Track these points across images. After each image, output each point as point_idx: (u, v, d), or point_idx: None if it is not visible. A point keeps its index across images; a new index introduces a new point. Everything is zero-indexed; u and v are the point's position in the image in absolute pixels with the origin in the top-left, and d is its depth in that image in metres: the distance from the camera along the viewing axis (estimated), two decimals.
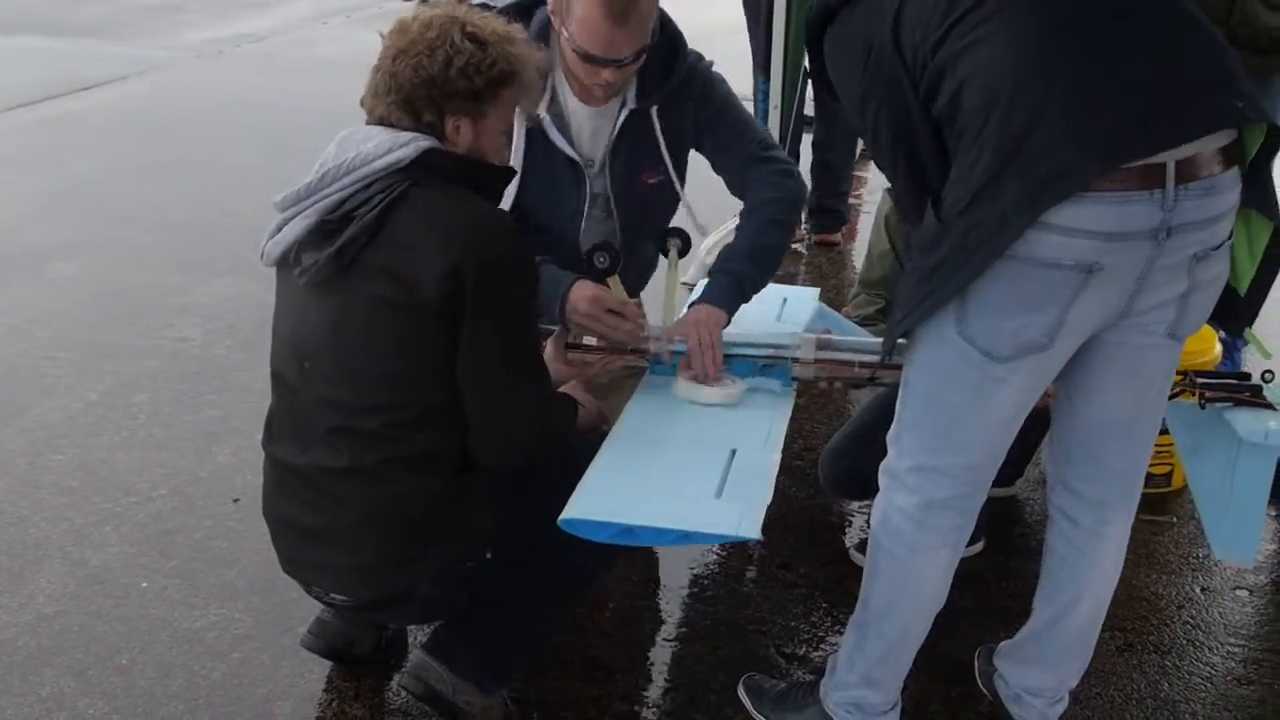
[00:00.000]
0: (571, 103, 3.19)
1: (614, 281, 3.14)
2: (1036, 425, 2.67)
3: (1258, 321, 2.64)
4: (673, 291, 3.29)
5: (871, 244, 3.78)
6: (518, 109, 2.71)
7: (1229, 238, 2.38)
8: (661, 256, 3.41)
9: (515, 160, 3.13)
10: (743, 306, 3.15)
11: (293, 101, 8.59)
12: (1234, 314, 2.55)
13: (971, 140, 2.22)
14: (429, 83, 2.53)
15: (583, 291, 3.02)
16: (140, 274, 5.61)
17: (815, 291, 3.80)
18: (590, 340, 3.10)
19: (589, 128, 3.22)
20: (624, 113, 3.21)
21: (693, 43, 3.24)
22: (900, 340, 2.49)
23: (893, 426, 2.59)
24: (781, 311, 3.50)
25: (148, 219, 6.33)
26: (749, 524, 2.44)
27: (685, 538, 2.50)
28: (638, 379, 3.15)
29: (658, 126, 3.25)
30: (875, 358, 2.61)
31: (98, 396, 4.47)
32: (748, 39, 6.02)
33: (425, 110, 2.55)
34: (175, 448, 4.13)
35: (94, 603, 3.31)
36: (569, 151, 3.19)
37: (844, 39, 2.44)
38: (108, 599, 3.33)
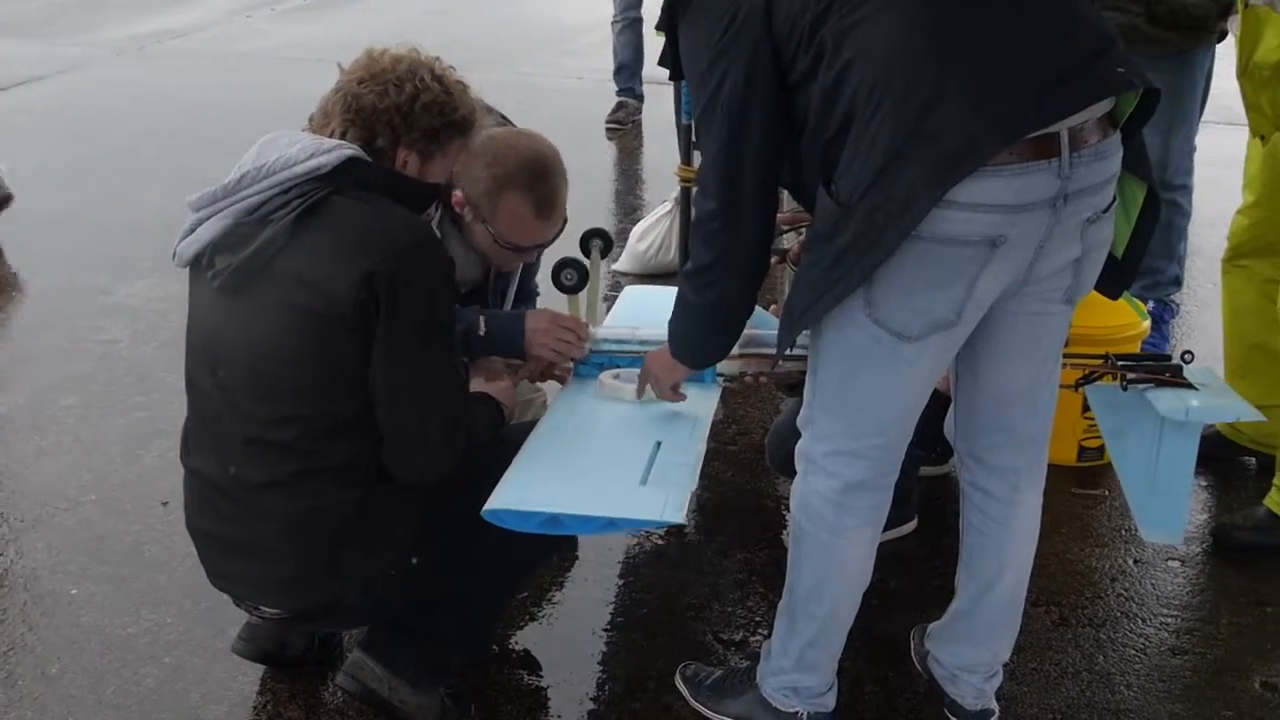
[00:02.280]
0: (451, 235, 3.19)
1: (574, 300, 3.16)
2: (936, 401, 2.69)
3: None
4: (596, 290, 3.28)
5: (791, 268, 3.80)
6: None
7: (1114, 200, 2.43)
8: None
9: None
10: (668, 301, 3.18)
11: (216, 97, 8.48)
12: (1114, 278, 2.58)
13: (867, 122, 2.22)
14: (393, 110, 2.54)
15: (539, 321, 3.06)
16: (64, 275, 5.53)
17: None
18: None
19: (464, 259, 3.21)
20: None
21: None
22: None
23: (803, 410, 2.60)
24: None
25: (70, 219, 6.25)
26: (673, 509, 2.44)
27: (610, 525, 2.51)
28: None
29: (518, 271, 3.37)
30: (800, 350, 2.61)
31: (24, 401, 4.41)
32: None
33: (382, 134, 2.55)
34: (103, 451, 4.08)
35: (22, 611, 3.27)
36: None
37: (707, 5, 2.41)
38: (36, 607, 3.28)
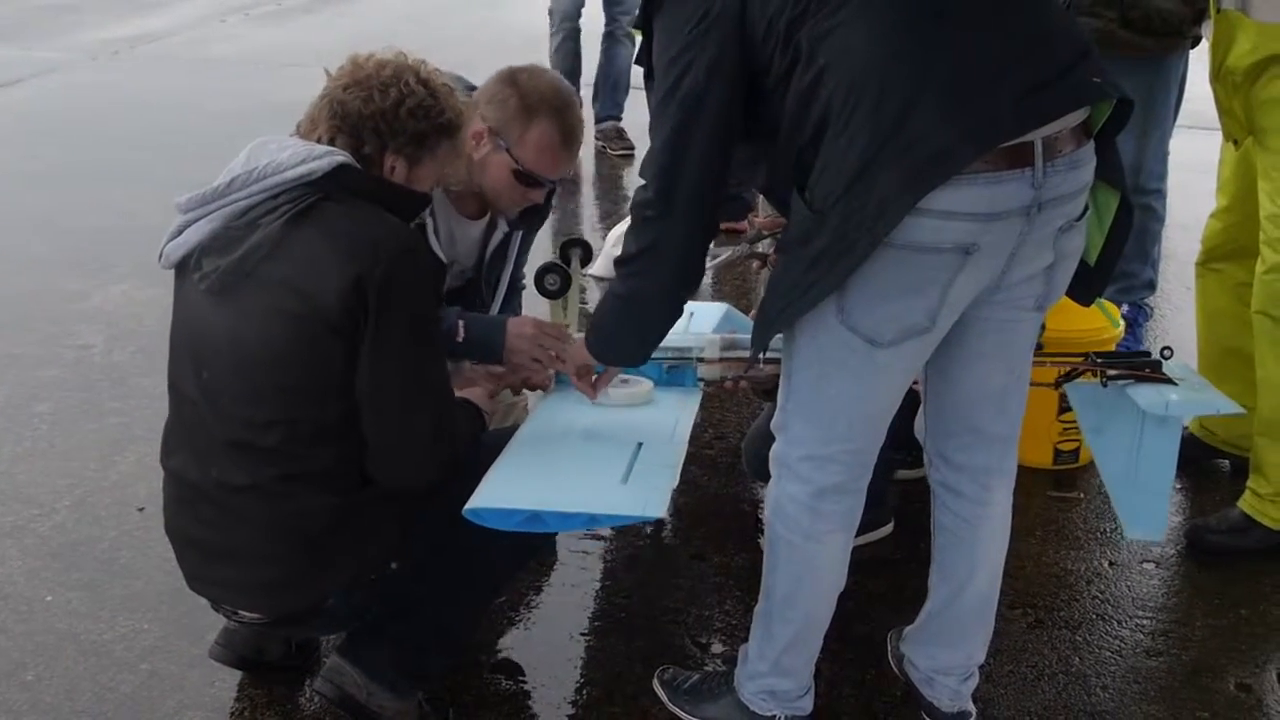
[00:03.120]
0: (447, 215, 3.20)
1: (557, 305, 3.15)
2: (911, 404, 2.71)
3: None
4: (574, 300, 3.28)
5: (768, 276, 3.81)
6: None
7: (1087, 209, 2.45)
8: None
9: None
10: None
11: (191, 101, 8.46)
12: (1086, 285, 2.60)
13: (841, 128, 2.22)
14: (378, 115, 2.53)
15: (521, 327, 3.04)
16: (38, 281, 5.51)
17: (723, 307, 3.73)
18: None
19: (461, 237, 3.24)
20: (498, 233, 3.28)
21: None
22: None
23: (777, 414, 2.61)
24: (688, 325, 3.47)
25: (44, 224, 6.22)
26: (655, 504, 2.45)
27: (592, 520, 2.51)
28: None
29: (516, 243, 3.35)
30: (776, 354, 2.62)
31: None
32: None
33: (368, 140, 2.55)
34: (78, 457, 4.06)
35: None
36: (445, 258, 3.20)
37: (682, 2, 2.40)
38: (11, 614, 3.27)
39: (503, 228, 3.29)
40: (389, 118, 2.54)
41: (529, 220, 3.30)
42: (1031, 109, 2.23)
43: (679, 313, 2.62)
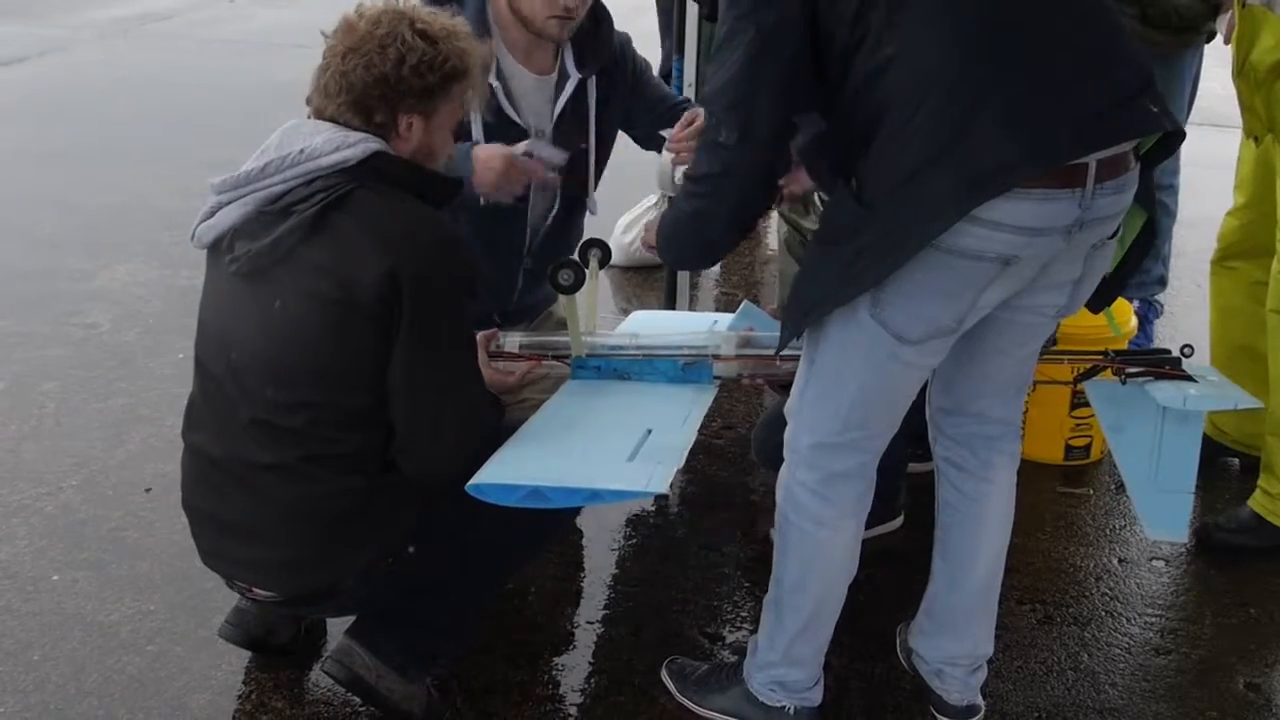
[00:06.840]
0: (516, 74, 3.22)
1: (571, 301, 3.12)
2: (922, 396, 2.71)
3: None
4: (594, 300, 3.26)
5: (782, 269, 3.80)
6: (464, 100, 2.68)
7: (1120, 229, 2.47)
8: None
9: (475, 136, 3.19)
10: (674, 323, 3.14)
11: (200, 81, 8.45)
12: (1099, 294, 2.61)
13: (902, 124, 2.21)
14: (381, 81, 2.49)
15: (491, 162, 3.08)
16: (46, 260, 5.50)
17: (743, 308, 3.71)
18: (514, 348, 3.07)
19: (532, 97, 3.25)
20: (570, 83, 3.27)
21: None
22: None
23: (792, 398, 2.61)
24: (711, 329, 3.45)
25: (52, 203, 6.21)
26: (658, 480, 2.43)
27: (594, 496, 2.50)
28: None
29: (593, 95, 3.32)
30: (794, 351, 2.62)
31: (5, 386, 4.38)
32: (656, 20, 6.00)
33: (378, 110, 2.51)
34: (85, 437, 4.04)
35: (3, 598, 3.24)
36: (519, 120, 3.21)
37: None
38: (17, 594, 3.26)
39: (573, 77, 3.27)
40: (392, 80, 2.49)
41: (589, 50, 3.30)
42: (1094, 134, 2.23)
43: (747, 229, 2.64)
